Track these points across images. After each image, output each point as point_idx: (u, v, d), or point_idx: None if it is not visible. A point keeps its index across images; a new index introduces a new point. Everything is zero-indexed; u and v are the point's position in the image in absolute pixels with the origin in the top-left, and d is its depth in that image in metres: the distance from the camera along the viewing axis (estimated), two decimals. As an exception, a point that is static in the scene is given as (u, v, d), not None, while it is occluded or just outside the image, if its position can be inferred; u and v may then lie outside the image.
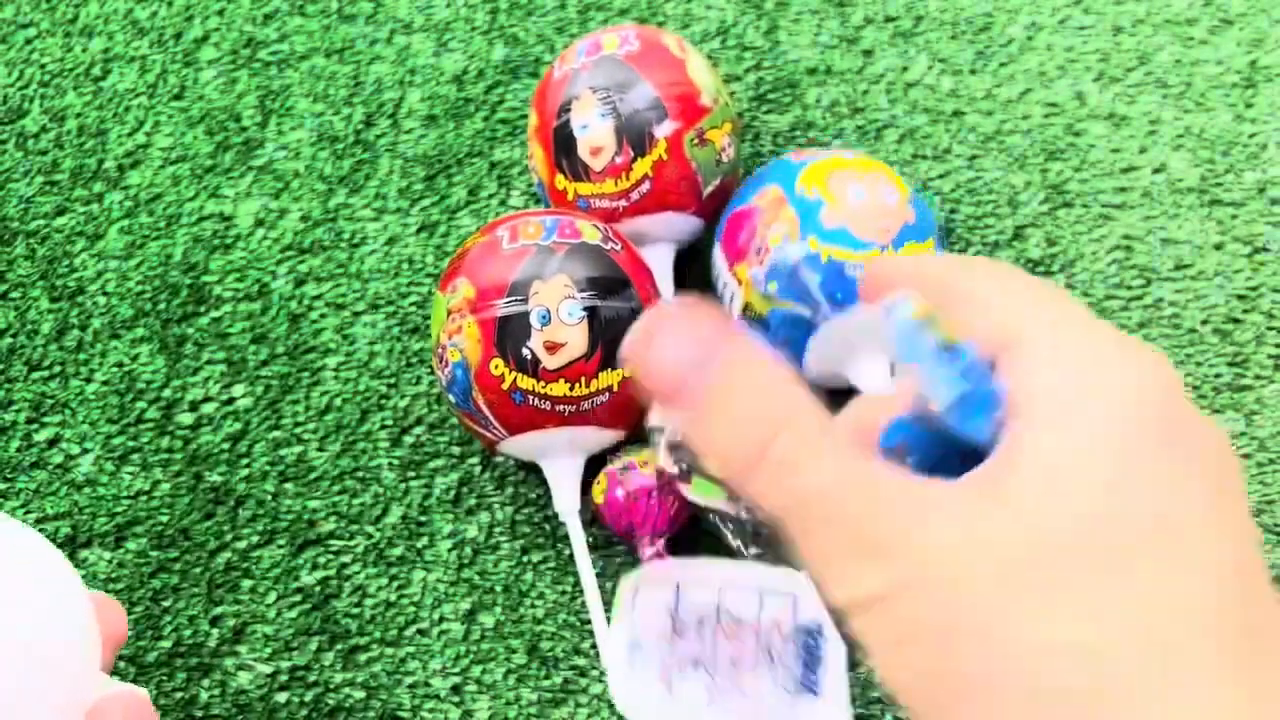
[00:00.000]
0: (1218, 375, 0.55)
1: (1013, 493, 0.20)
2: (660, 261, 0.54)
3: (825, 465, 0.20)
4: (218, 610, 0.50)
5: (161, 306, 0.57)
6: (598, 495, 0.49)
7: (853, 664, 0.37)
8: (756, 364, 0.21)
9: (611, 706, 0.47)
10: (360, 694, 0.48)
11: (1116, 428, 0.20)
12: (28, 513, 0.52)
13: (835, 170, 0.49)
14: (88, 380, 0.56)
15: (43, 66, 0.64)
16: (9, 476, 0.53)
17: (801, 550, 0.21)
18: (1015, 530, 0.19)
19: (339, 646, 0.49)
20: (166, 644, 0.49)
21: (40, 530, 0.52)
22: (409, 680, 0.48)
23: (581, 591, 0.50)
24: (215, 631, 0.50)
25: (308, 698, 0.48)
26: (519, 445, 0.48)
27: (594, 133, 0.51)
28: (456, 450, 0.53)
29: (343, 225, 0.59)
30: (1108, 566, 0.18)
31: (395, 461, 0.53)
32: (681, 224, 0.53)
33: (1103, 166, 0.60)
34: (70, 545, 0.52)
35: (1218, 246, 0.58)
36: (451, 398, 0.48)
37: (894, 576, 0.19)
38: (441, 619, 0.50)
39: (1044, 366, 0.21)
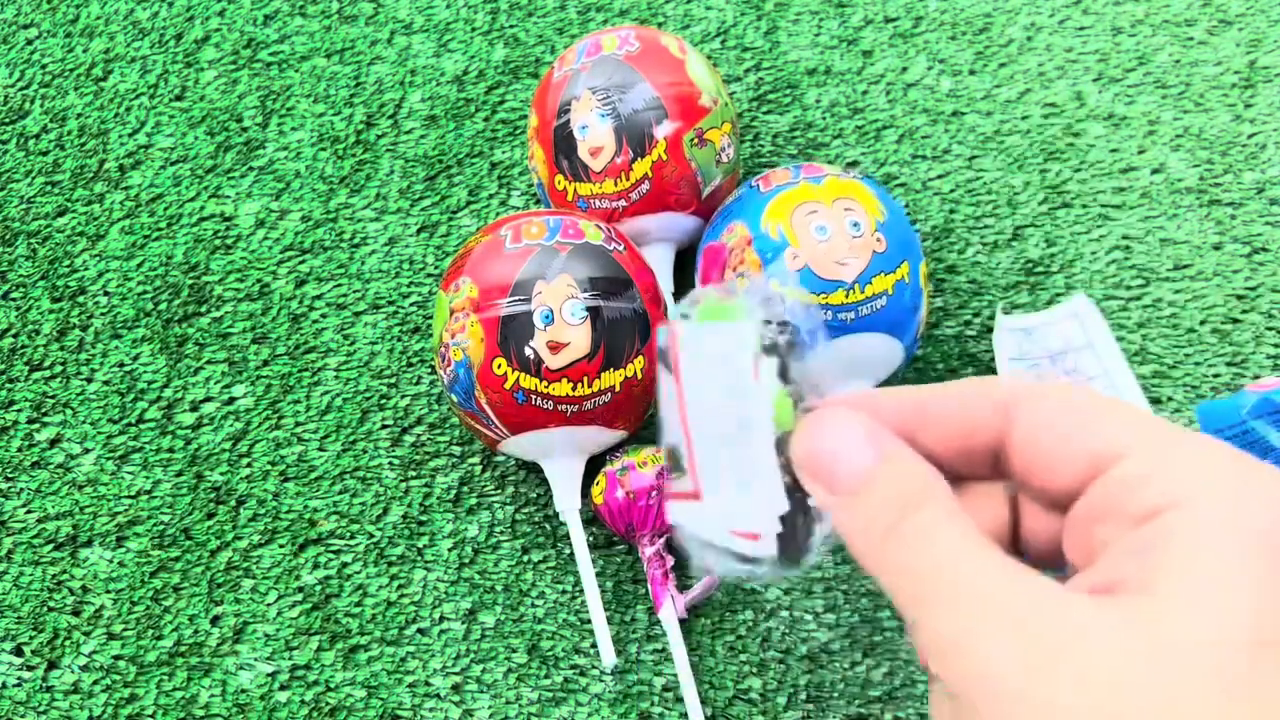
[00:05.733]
0: (1216, 375, 0.55)
1: (1166, 635, 0.19)
2: (660, 261, 0.54)
3: (959, 542, 0.21)
4: (218, 610, 0.50)
5: (163, 306, 0.57)
6: (597, 496, 0.49)
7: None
8: (904, 456, 0.23)
9: (611, 705, 0.48)
10: (361, 693, 0.48)
11: (1263, 564, 0.19)
12: (29, 512, 0.52)
13: (800, 204, 0.48)
14: (89, 380, 0.56)
15: (44, 67, 0.64)
16: (10, 476, 0.53)
17: (919, 619, 0.21)
18: (1167, 678, 0.18)
19: (339, 646, 0.49)
20: (167, 643, 0.49)
21: (41, 530, 0.52)
22: (409, 679, 0.48)
23: (581, 591, 0.50)
24: (216, 631, 0.50)
25: (308, 697, 0.48)
26: (521, 445, 0.48)
27: (594, 133, 0.51)
28: (457, 450, 0.53)
29: (343, 225, 0.59)
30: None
31: (396, 461, 0.53)
32: (681, 224, 0.53)
33: (1102, 167, 0.60)
34: (71, 545, 0.52)
35: (1216, 247, 0.58)
36: (454, 397, 0.48)
37: (1028, 679, 0.19)
38: (442, 618, 0.50)
39: (1184, 495, 0.20)
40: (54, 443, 0.54)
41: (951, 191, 0.60)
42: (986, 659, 0.20)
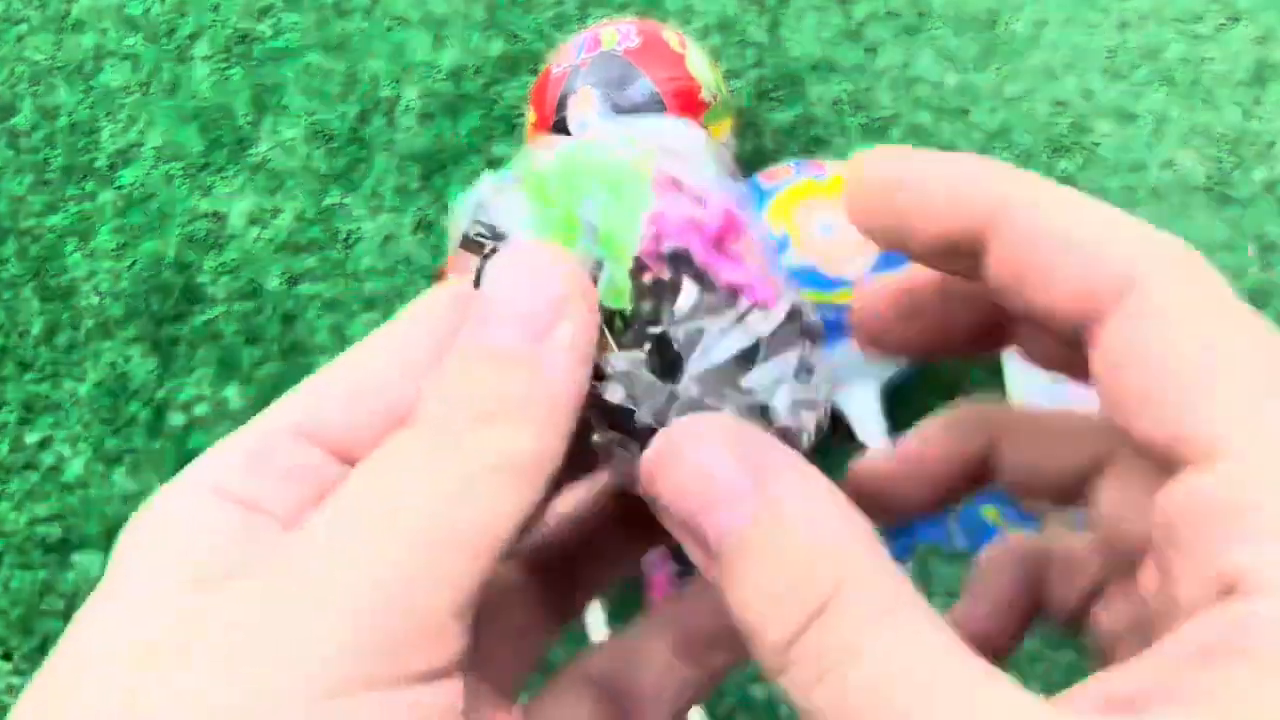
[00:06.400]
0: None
1: None
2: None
3: (908, 654, 0.14)
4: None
5: (154, 306, 0.57)
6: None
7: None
8: (816, 496, 0.16)
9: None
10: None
11: None
12: (19, 514, 0.52)
13: (804, 200, 0.48)
14: (80, 381, 0.55)
15: (34, 63, 0.64)
16: (0, 478, 0.53)
17: None
18: None
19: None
20: (158, 649, 0.49)
21: (31, 532, 0.52)
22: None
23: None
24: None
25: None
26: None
27: (593, 130, 0.50)
28: (453, 452, 0.53)
29: (338, 224, 0.59)
30: None
31: (391, 463, 0.53)
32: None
33: (1110, 164, 0.59)
34: (62, 548, 0.51)
35: (1226, 245, 0.57)
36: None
37: None
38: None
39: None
40: (44, 444, 0.54)
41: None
42: None
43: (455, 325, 0.18)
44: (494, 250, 0.18)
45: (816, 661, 0.15)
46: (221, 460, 0.18)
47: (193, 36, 0.64)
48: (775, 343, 0.18)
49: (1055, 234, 0.17)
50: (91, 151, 0.61)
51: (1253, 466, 0.14)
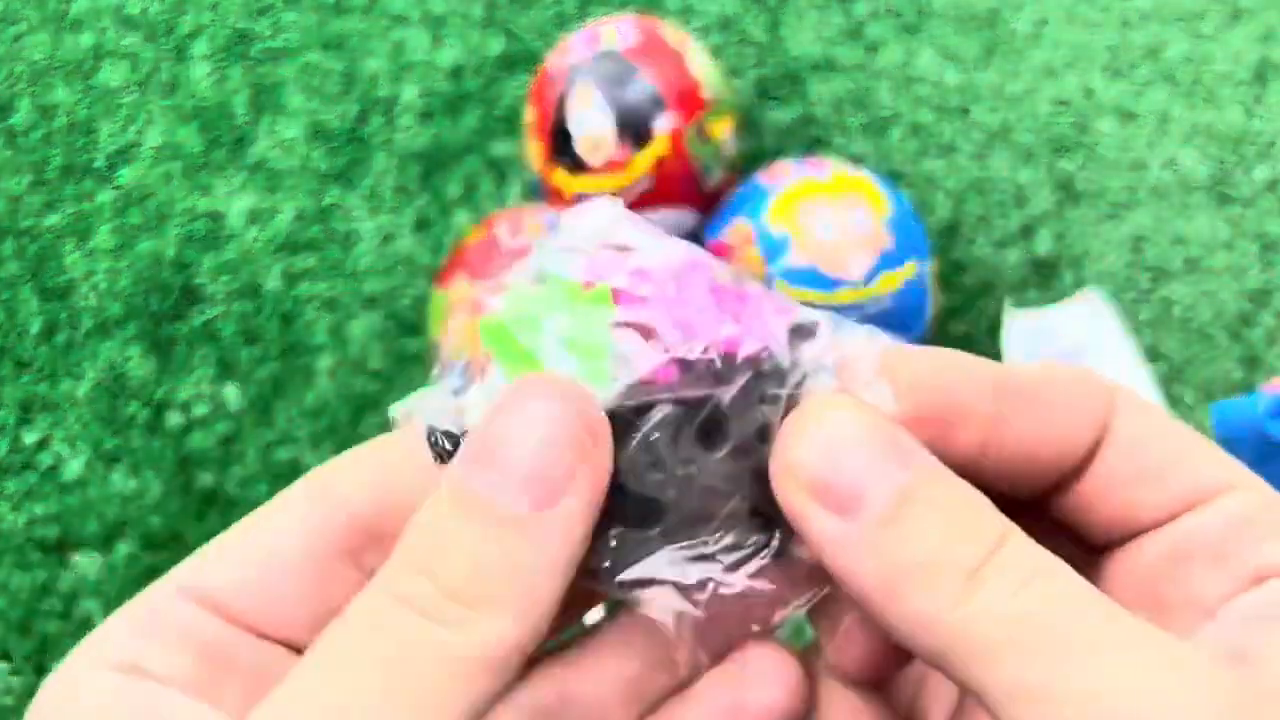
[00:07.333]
0: (1229, 375, 0.54)
1: None
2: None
3: (1070, 588, 0.16)
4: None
5: (153, 306, 0.57)
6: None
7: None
8: (948, 474, 0.17)
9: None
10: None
11: None
12: (17, 515, 0.52)
13: (806, 198, 0.47)
14: (78, 380, 0.55)
15: (32, 62, 0.64)
16: (-3, 479, 0.53)
17: (981, 678, 0.16)
18: None
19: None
20: (156, 650, 0.49)
21: (29, 533, 0.51)
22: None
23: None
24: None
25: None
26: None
27: (592, 128, 0.50)
28: (453, 452, 0.53)
29: (336, 223, 0.58)
30: None
31: (390, 463, 0.52)
32: (680, 218, 0.52)
33: (1111, 162, 0.59)
34: (60, 548, 0.51)
35: (1228, 244, 0.57)
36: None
37: None
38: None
39: None
40: (42, 444, 0.54)
41: (959, 188, 0.59)
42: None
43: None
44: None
45: (1015, 574, 0.16)
46: (111, 630, 0.17)
47: (191, 35, 0.64)
48: (736, 406, 0.17)
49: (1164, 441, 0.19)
50: (90, 151, 0.61)
51: (1265, 491, 0.17)
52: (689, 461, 0.17)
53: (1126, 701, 0.15)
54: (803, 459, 0.16)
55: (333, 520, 0.17)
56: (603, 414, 0.16)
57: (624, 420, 0.17)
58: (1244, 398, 0.42)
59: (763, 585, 0.18)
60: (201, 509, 0.52)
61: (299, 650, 0.17)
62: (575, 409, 0.16)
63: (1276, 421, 0.41)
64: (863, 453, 0.16)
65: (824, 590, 0.18)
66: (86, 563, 0.51)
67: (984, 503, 0.17)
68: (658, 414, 0.17)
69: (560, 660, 0.19)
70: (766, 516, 0.17)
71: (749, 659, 0.19)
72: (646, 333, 0.17)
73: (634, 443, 0.17)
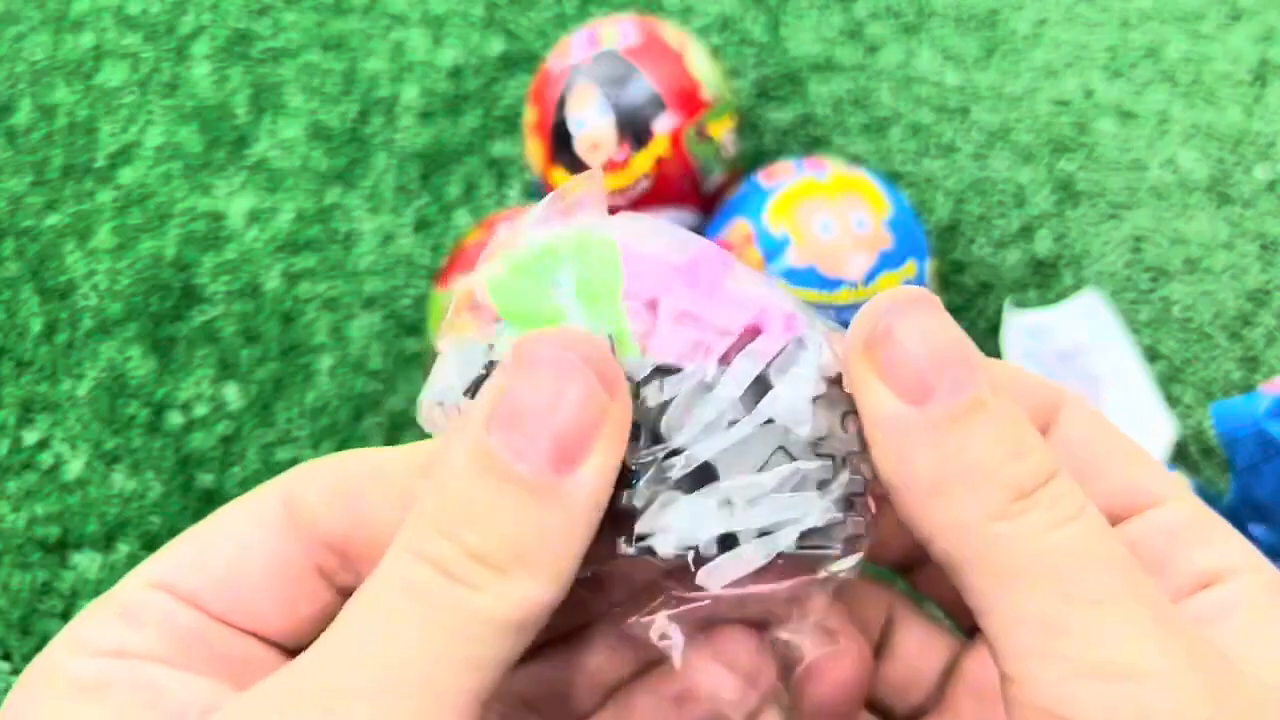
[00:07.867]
0: (1228, 375, 0.54)
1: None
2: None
3: (1100, 524, 0.16)
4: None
5: (153, 306, 0.57)
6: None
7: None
8: (1013, 400, 0.17)
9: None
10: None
11: None
12: (17, 515, 0.52)
13: (805, 198, 0.47)
14: (78, 380, 0.55)
15: (32, 62, 0.64)
16: (-2, 479, 0.53)
17: (994, 598, 0.16)
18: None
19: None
20: (157, 650, 0.49)
21: (30, 533, 0.51)
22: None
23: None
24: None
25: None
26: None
27: (592, 128, 0.50)
28: (453, 452, 0.53)
29: (337, 223, 0.58)
30: None
31: (390, 463, 0.52)
32: (680, 219, 0.52)
33: (1111, 162, 0.59)
34: (60, 549, 0.51)
35: (1227, 245, 0.57)
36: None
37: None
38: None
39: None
40: (42, 444, 0.54)
41: (959, 188, 0.59)
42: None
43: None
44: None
45: (1063, 509, 0.16)
46: (87, 621, 0.17)
47: (191, 35, 0.64)
48: (781, 362, 0.17)
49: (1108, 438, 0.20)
50: (90, 150, 0.61)
51: (1197, 505, 0.19)
52: (698, 420, 0.17)
53: (1125, 667, 0.15)
54: (882, 335, 0.16)
55: (302, 534, 0.17)
56: (619, 366, 0.16)
57: (641, 378, 0.17)
58: (1244, 397, 0.42)
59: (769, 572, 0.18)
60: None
61: (274, 644, 0.18)
62: (592, 364, 0.16)
63: (1276, 421, 0.41)
64: (944, 349, 0.17)
65: (831, 581, 0.18)
66: (87, 562, 0.51)
67: (1040, 437, 0.17)
68: (672, 373, 0.17)
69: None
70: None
71: (715, 640, 0.19)
72: (656, 294, 0.17)
73: (648, 396, 0.17)
